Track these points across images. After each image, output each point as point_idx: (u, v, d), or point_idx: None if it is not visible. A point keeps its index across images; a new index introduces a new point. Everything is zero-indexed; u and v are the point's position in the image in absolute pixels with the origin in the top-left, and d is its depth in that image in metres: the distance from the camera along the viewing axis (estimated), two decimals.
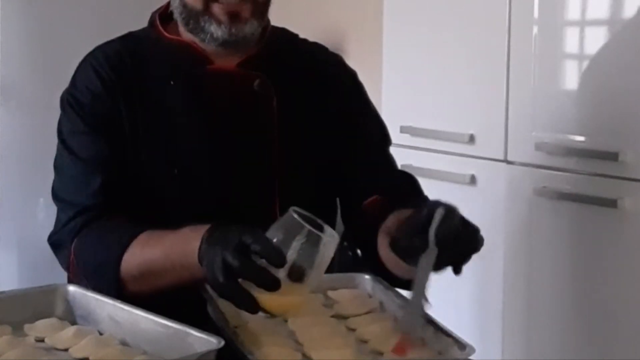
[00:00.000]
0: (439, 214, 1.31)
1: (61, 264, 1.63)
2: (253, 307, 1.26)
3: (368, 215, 1.63)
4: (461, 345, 1.28)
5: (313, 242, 1.24)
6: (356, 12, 3.31)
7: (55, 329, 1.36)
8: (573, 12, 2.23)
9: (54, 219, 1.66)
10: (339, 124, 1.71)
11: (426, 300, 1.34)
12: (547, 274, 2.25)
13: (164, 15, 1.71)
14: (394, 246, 1.40)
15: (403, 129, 2.56)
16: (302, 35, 1.80)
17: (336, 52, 1.83)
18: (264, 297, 1.25)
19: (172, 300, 1.45)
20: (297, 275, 1.25)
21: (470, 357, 1.27)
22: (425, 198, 1.67)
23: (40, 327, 1.37)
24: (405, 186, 1.71)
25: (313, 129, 1.68)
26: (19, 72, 3.47)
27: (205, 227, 1.37)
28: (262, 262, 1.24)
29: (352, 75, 1.80)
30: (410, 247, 1.34)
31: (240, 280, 1.26)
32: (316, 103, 1.70)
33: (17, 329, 1.36)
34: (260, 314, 1.29)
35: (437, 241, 1.31)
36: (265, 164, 1.64)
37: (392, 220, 1.47)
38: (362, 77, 1.79)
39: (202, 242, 1.36)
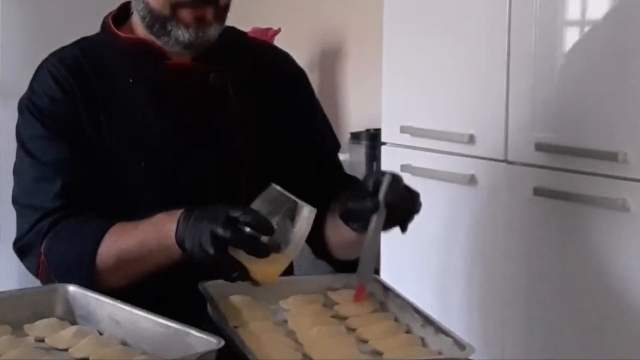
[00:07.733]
0: (387, 179, 1.46)
1: (29, 269, 1.62)
2: (245, 274, 1.34)
3: None
4: (461, 345, 1.29)
5: (295, 213, 1.35)
6: (356, 12, 3.30)
7: (55, 329, 1.36)
8: (573, 12, 2.23)
9: None
10: (289, 122, 1.73)
11: (376, 255, 1.51)
12: (546, 274, 2.24)
13: (116, 19, 1.73)
14: (345, 214, 1.52)
15: (403, 129, 2.56)
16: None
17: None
18: (251, 266, 1.34)
19: (172, 300, 1.45)
20: (280, 245, 1.35)
21: (470, 357, 1.27)
22: None
23: (40, 327, 1.37)
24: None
25: (269, 121, 1.71)
26: (19, 72, 3.46)
27: (180, 211, 1.43)
28: (250, 232, 1.33)
29: (301, 73, 1.83)
30: (362, 210, 1.46)
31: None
32: (268, 97, 1.73)
33: (17, 329, 1.37)
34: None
35: (386, 203, 1.45)
36: (229, 154, 1.67)
37: (339, 201, 1.55)
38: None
39: (178, 224, 1.41)
